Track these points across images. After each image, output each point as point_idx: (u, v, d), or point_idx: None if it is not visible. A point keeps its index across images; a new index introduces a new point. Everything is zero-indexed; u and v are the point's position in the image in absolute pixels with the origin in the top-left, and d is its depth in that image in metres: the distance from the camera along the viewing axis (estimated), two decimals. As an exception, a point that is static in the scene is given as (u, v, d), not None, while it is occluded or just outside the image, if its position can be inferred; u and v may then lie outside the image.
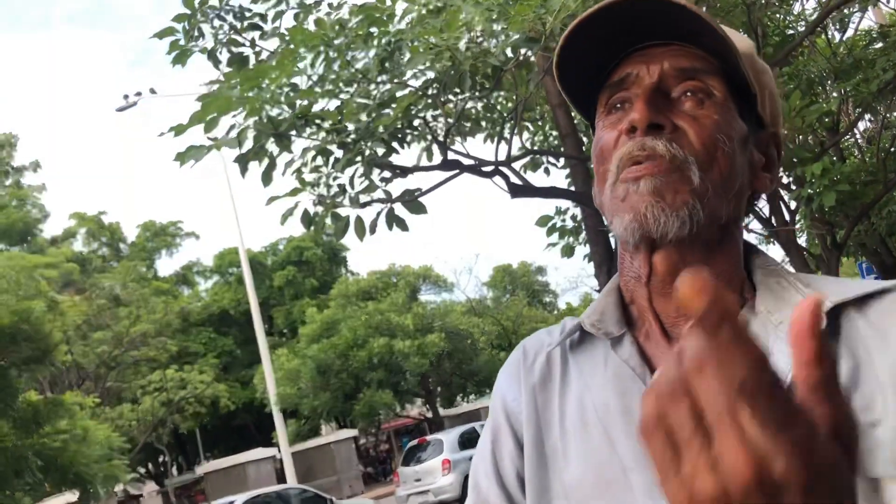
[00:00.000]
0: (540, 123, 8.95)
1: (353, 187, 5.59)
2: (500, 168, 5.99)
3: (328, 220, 5.63)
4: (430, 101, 5.55)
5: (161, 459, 35.22)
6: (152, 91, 21.45)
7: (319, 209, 5.63)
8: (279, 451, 23.07)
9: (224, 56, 5.76)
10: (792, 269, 0.93)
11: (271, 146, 4.65)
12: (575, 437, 0.88)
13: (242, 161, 4.56)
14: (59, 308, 11.12)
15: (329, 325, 24.95)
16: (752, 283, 0.89)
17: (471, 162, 5.97)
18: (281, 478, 23.19)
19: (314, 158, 5.11)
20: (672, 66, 0.86)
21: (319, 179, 5.50)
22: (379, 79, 5.14)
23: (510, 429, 0.95)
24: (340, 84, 5.05)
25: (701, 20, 0.83)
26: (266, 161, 4.66)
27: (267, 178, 4.67)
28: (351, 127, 4.97)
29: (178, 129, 4.36)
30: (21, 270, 10.03)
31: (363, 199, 5.65)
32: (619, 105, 0.89)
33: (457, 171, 5.80)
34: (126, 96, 21.36)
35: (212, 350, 31.31)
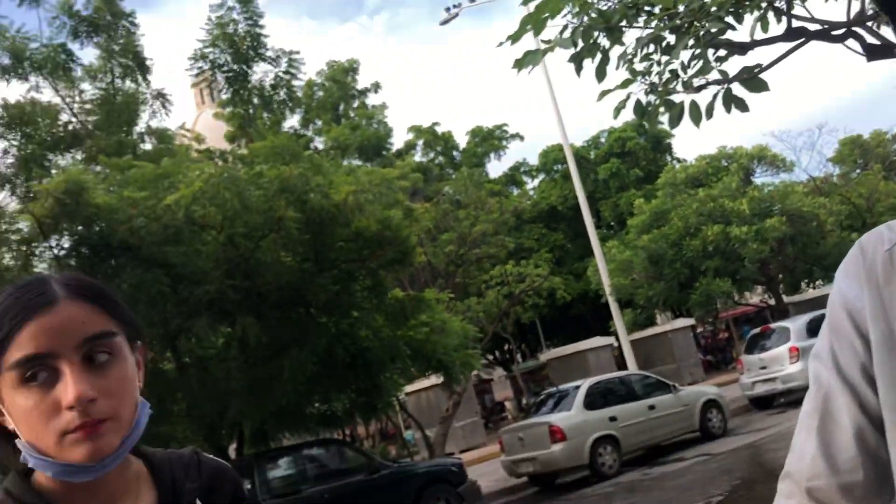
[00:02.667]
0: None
1: (685, 72, 5.43)
2: (854, 28, 5.39)
3: (661, 109, 5.54)
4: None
5: (506, 347, 38.05)
6: (471, 0, 22.26)
7: (652, 98, 5.56)
8: (617, 339, 23.69)
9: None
10: None
11: (603, 41, 4.67)
12: None
13: (577, 59, 4.65)
14: (414, 215, 12.38)
15: (658, 214, 24.62)
16: None
17: (817, 27, 5.44)
18: (621, 365, 23.86)
19: (644, 47, 5.03)
20: None
21: (650, 68, 5.41)
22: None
23: (852, 325, 0.97)
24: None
25: None
26: (599, 56, 4.70)
27: (601, 73, 4.72)
28: (682, 9, 4.79)
29: (514, 37, 4.56)
30: (381, 183, 11.29)
31: (697, 82, 5.46)
32: None
33: (802, 39, 5.33)
34: (448, 9, 22.43)
35: (544, 245, 32.62)
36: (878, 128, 31.48)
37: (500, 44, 4.57)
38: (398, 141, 31.39)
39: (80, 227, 10.44)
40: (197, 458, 1.26)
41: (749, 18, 5.73)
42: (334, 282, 11.48)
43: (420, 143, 34.04)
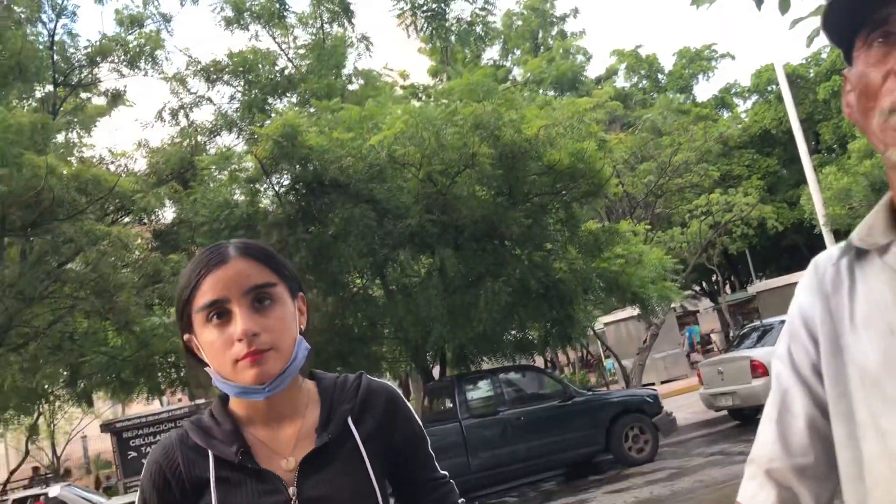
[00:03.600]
0: None
1: (890, -7, 5.04)
2: None
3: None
4: None
5: (713, 279, 36.76)
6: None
7: (851, 23, 5.22)
8: (833, 272, 22.18)
9: None
10: None
11: (788, -30, 4.46)
12: (864, 329, 1.04)
13: (757, -7, 4.48)
14: (608, 145, 12.29)
15: (887, 136, 22.45)
16: None
17: None
18: (836, 299, 22.42)
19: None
20: None
21: (848, -8, 5.08)
22: None
23: (806, 330, 1.13)
24: None
25: None
26: (783, -13, 4.49)
27: (784, 5, 4.53)
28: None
29: (692, -27, 4.46)
30: (574, 115, 11.32)
31: (904, 3, 5.07)
32: (881, 40, 0.95)
33: None
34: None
35: (755, 172, 30.85)
36: None
37: (677, -19, 4.50)
38: (599, 66, 30.62)
39: (296, 167, 11.46)
40: (357, 382, 1.46)
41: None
42: (527, 215, 11.78)
43: (623, 67, 33.05)
